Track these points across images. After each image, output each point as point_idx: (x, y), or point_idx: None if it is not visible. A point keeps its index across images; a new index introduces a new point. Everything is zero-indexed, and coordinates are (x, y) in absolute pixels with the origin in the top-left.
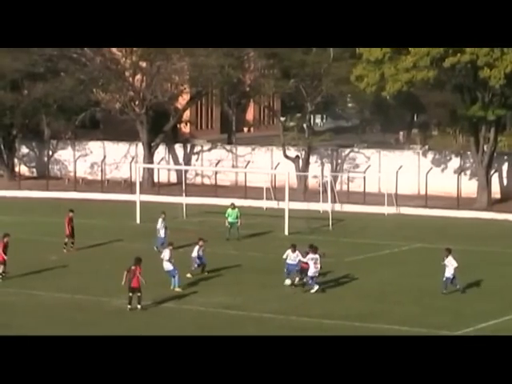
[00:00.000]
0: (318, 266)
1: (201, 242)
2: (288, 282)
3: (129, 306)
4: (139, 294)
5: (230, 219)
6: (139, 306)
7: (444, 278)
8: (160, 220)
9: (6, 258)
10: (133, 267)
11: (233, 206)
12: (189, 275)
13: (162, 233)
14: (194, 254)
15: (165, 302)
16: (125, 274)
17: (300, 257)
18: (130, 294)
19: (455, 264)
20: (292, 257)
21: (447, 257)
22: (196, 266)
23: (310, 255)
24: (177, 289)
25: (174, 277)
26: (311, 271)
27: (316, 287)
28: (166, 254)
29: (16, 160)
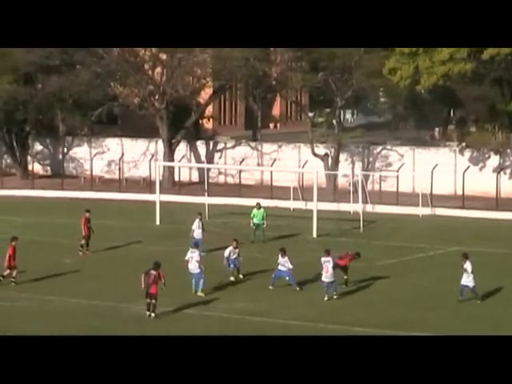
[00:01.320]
0: (330, 270)
1: (234, 243)
2: (232, 278)
3: (148, 313)
4: (154, 302)
5: (255, 220)
6: (153, 315)
7: (471, 287)
8: (197, 221)
9: (15, 262)
10: (153, 272)
11: (258, 207)
12: (232, 278)
13: (198, 234)
14: (226, 254)
15: (186, 307)
16: (142, 277)
17: (289, 263)
18: (148, 301)
19: (469, 270)
20: (281, 261)
21: (465, 262)
22: (232, 265)
23: (323, 258)
24: (199, 293)
25: (198, 280)
26: (324, 276)
27: (325, 297)
28: (195, 255)
29: (29, 158)
